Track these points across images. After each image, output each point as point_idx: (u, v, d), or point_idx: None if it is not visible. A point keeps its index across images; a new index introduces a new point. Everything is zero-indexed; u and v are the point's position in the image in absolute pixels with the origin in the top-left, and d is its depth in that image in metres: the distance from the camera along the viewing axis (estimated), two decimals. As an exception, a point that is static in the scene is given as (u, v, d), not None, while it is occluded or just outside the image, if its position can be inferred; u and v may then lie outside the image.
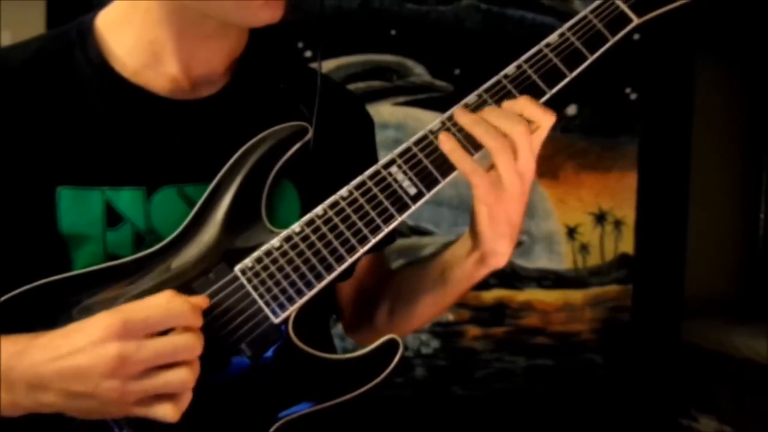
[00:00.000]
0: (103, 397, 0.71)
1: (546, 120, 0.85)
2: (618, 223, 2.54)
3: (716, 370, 2.57)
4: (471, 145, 0.86)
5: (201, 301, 0.78)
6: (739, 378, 2.49)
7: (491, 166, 0.85)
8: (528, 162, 0.84)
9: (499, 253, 0.90)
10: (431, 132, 0.87)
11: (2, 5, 1.96)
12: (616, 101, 2.50)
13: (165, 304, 0.74)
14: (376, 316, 1.06)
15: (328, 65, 2.26)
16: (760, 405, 2.42)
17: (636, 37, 2.43)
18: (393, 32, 2.34)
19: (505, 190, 0.84)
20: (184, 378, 0.72)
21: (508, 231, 0.88)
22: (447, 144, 0.85)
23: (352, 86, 2.29)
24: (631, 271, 2.56)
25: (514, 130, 0.84)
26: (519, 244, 2.45)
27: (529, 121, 0.84)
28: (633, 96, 2.51)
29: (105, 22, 0.90)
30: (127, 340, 0.71)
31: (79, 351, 0.71)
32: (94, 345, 0.71)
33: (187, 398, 0.73)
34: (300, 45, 2.19)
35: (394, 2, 2.33)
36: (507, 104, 0.86)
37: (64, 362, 0.71)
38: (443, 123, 0.87)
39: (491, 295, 2.46)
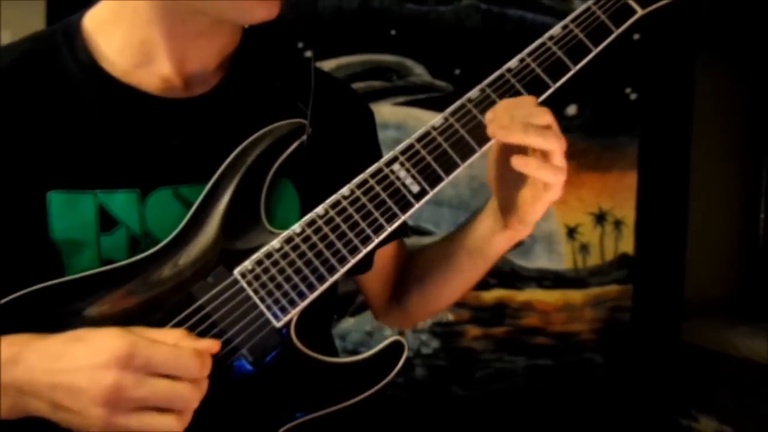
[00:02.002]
0: (87, 419, 0.70)
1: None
2: (618, 223, 2.54)
3: (716, 370, 2.57)
4: (475, 140, 0.85)
5: (211, 346, 0.76)
6: (739, 378, 2.49)
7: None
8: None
9: (528, 230, 0.91)
10: (434, 128, 0.85)
11: (2, 5, 1.96)
12: (616, 101, 2.50)
13: (176, 350, 0.71)
14: (406, 301, 1.06)
15: (328, 65, 2.25)
16: (760, 405, 2.41)
17: (636, 37, 2.43)
18: (393, 32, 2.34)
19: (555, 183, 0.85)
20: (170, 428, 0.71)
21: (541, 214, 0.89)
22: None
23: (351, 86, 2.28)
24: (631, 271, 2.55)
25: (552, 123, 0.83)
26: (519, 244, 2.44)
27: None
28: (633, 96, 2.50)
29: (93, 22, 0.88)
30: (127, 373, 0.69)
31: (79, 369, 0.69)
32: (95, 368, 0.69)
33: None
34: (300, 45, 2.18)
35: (394, 2, 2.33)
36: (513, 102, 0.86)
37: (60, 376, 0.70)
38: (446, 119, 0.86)
39: (491, 295, 2.46)
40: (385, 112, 2.32)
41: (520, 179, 0.87)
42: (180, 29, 0.86)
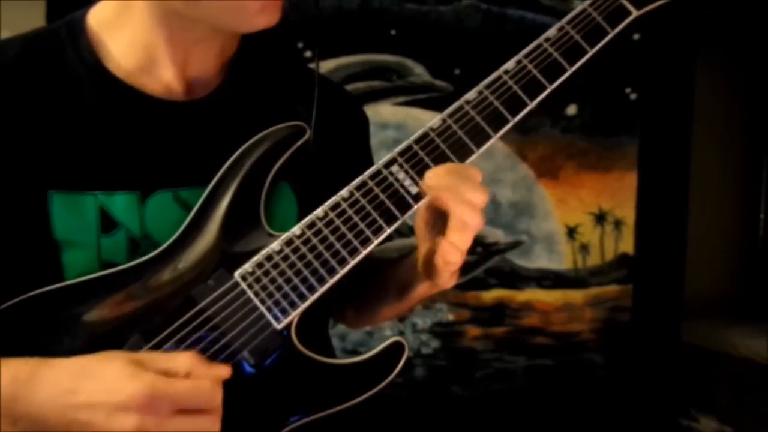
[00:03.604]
0: None
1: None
2: (618, 223, 2.54)
3: (716, 370, 2.57)
4: (473, 141, 0.86)
5: (225, 372, 0.75)
6: (739, 378, 2.49)
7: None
8: None
9: (446, 284, 0.88)
10: (432, 130, 0.86)
11: (2, 5, 1.96)
12: (616, 101, 2.49)
13: (195, 385, 0.71)
14: (345, 314, 1.08)
15: (328, 65, 2.25)
16: (760, 405, 2.41)
17: (636, 37, 2.43)
18: (393, 32, 2.33)
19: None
20: None
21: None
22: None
23: (352, 86, 2.28)
24: (631, 271, 2.55)
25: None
26: (519, 244, 2.45)
27: None
28: (633, 96, 2.50)
29: (97, 21, 0.88)
30: (149, 416, 0.68)
31: (96, 408, 0.69)
32: (113, 409, 0.68)
33: None
34: (300, 45, 2.18)
35: (394, 2, 2.33)
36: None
37: (77, 414, 0.69)
38: (444, 120, 0.86)
39: (491, 295, 2.46)
40: (385, 112, 2.32)
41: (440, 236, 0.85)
42: (181, 35, 0.86)
